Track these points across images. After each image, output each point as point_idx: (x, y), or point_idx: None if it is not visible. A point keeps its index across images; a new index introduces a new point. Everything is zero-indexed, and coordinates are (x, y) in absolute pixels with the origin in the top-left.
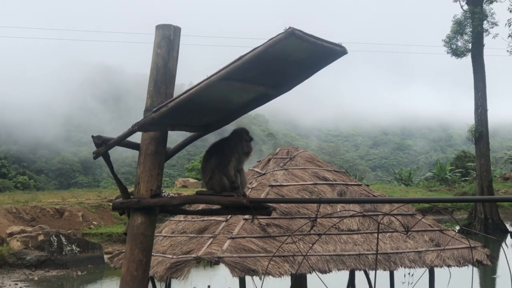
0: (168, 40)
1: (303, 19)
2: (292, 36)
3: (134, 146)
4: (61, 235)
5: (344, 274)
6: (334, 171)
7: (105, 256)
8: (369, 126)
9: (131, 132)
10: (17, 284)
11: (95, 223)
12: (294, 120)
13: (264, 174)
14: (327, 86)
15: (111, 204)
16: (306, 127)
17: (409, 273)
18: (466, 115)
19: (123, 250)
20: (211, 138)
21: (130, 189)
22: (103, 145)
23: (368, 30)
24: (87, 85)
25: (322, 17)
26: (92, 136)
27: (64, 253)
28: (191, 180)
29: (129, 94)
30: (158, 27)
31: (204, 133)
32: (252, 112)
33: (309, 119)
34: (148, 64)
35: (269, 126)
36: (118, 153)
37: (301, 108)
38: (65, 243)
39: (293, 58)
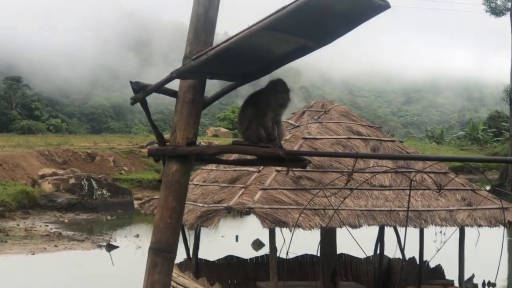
0: None
1: None
2: None
3: (171, 93)
4: (92, 179)
5: (374, 230)
6: (368, 126)
7: (135, 202)
8: (402, 82)
9: (169, 79)
10: (47, 225)
11: (126, 168)
12: (326, 74)
13: (298, 126)
14: (362, 40)
15: (142, 150)
16: (339, 81)
17: (440, 232)
18: (501, 75)
19: (154, 197)
20: (246, 88)
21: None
22: (140, 91)
23: None
24: (120, 31)
25: None
26: (130, 82)
27: (94, 197)
28: (223, 130)
29: (161, 41)
30: None
31: (243, 82)
32: (285, 65)
33: (342, 73)
34: (181, 12)
35: (302, 79)
36: (151, 100)
37: (334, 62)
38: (96, 187)
39: (335, 10)
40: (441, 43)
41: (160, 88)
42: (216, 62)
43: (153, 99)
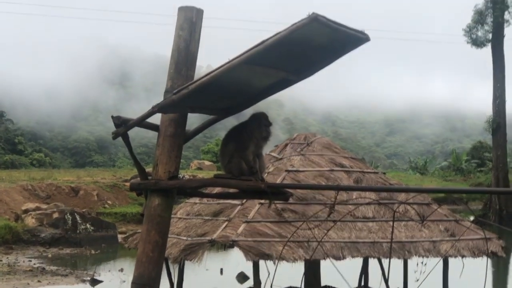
0: (190, 22)
1: (325, 4)
2: (315, 21)
3: (153, 127)
4: (75, 213)
5: (358, 262)
6: (351, 158)
7: (119, 236)
8: (385, 113)
9: (151, 113)
10: (31, 260)
11: (109, 202)
12: (309, 106)
13: (281, 159)
14: (343, 71)
15: (126, 183)
16: (322, 112)
17: (422, 262)
18: (484, 106)
19: (138, 231)
20: (229, 121)
21: (146, 169)
22: (122, 125)
23: (386, 17)
24: (102, 65)
25: (341, 2)
26: (112, 117)
27: (78, 231)
28: (207, 163)
29: (143, 74)
30: (181, 9)
31: (224, 116)
32: (269, 97)
33: (325, 105)
34: (162, 45)
35: (285, 111)
36: (134, 133)
37: (316, 94)
38: (80, 221)
39: (315, 44)
40: (423, 74)
41: (141, 122)
42: (197, 96)
43: (137, 132)
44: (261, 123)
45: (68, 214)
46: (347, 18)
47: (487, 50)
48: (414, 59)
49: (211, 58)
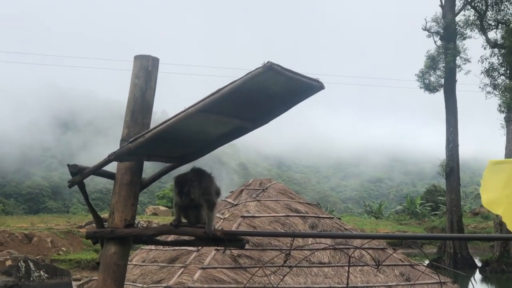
0: (146, 71)
1: (282, 50)
2: (270, 70)
3: (109, 175)
4: (29, 261)
5: None
6: (306, 203)
7: (74, 283)
8: (340, 158)
9: (107, 161)
10: None
11: (64, 249)
12: (264, 151)
13: (236, 205)
14: (300, 117)
15: (80, 230)
16: (277, 157)
17: None
18: (437, 149)
19: (93, 278)
20: (185, 167)
21: (101, 215)
22: (78, 174)
23: (344, 64)
24: (57, 110)
25: (300, 49)
26: (68, 165)
27: (32, 279)
28: (162, 208)
29: (100, 120)
30: (137, 58)
31: (180, 164)
32: None
33: (279, 150)
34: (116, 90)
35: (240, 156)
36: (89, 179)
37: (272, 139)
38: (33, 268)
39: (270, 92)
40: (376, 119)
41: (97, 170)
42: (153, 144)
43: (92, 178)
44: (176, 189)
45: (21, 262)
46: (300, 65)
47: (440, 94)
48: (367, 103)
49: (165, 103)
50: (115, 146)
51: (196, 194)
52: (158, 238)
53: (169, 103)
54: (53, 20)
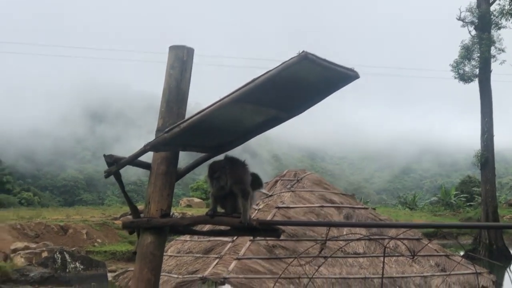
0: (181, 61)
1: (312, 40)
2: (305, 60)
3: (145, 165)
4: (65, 252)
5: None
6: (341, 194)
7: (109, 274)
8: (374, 149)
9: (142, 151)
10: None
11: (99, 240)
12: (298, 142)
13: (271, 195)
14: (334, 108)
15: (115, 222)
16: (310, 149)
17: None
18: (472, 140)
19: (128, 269)
20: (219, 158)
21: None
22: (114, 164)
23: (375, 54)
24: (92, 103)
25: (330, 39)
26: (104, 155)
27: (67, 270)
28: (196, 200)
29: (133, 112)
30: (172, 48)
31: (215, 154)
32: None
33: (313, 142)
34: (152, 83)
35: (274, 147)
36: (123, 171)
37: (305, 130)
38: (69, 260)
39: (305, 82)
40: (412, 110)
41: (133, 161)
42: (188, 134)
43: (126, 170)
44: (207, 175)
45: (57, 253)
46: (329, 56)
47: (475, 85)
48: (398, 94)
49: (199, 95)
50: (147, 139)
51: (227, 182)
52: (193, 228)
53: (202, 95)
54: (86, 12)
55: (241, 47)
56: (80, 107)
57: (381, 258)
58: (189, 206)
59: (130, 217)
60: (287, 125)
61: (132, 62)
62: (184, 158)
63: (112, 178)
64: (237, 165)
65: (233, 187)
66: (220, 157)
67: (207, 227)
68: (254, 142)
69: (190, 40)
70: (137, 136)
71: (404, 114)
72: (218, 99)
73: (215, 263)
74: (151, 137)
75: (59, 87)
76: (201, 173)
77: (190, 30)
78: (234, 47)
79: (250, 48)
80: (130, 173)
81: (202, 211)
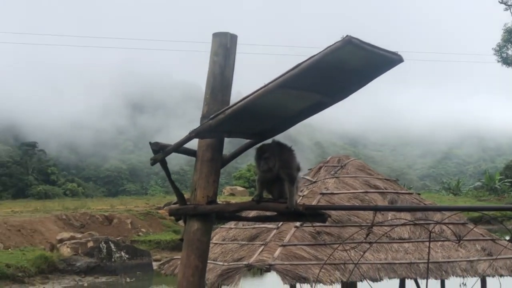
0: (224, 48)
1: (355, 27)
2: (350, 44)
3: (191, 153)
4: (110, 242)
5: (394, 283)
6: (385, 179)
7: (154, 263)
8: (417, 135)
9: (188, 139)
10: None
11: (143, 230)
12: (340, 130)
13: (315, 182)
14: (374, 94)
15: (159, 211)
16: (352, 136)
17: (463, 283)
18: None
19: (174, 257)
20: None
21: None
22: (160, 151)
23: (414, 38)
24: (131, 94)
25: (372, 26)
26: (150, 143)
27: (113, 259)
28: (239, 188)
29: (175, 103)
30: (215, 35)
31: (260, 140)
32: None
33: (355, 128)
34: (193, 72)
35: (316, 135)
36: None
37: (346, 118)
38: (114, 249)
39: (349, 66)
40: (453, 94)
41: (179, 148)
42: (233, 121)
43: (168, 159)
44: (258, 156)
45: (102, 243)
46: (375, 38)
47: None
48: (444, 79)
49: (241, 84)
50: (188, 128)
51: (275, 165)
52: (239, 214)
53: (244, 84)
54: (125, 3)
55: (281, 35)
56: (121, 98)
57: (427, 243)
58: (232, 194)
59: (175, 205)
60: (328, 112)
61: (172, 52)
62: (226, 147)
63: (155, 167)
64: (285, 150)
65: (280, 171)
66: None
67: (252, 214)
68: (296, 130)
69: (230, 29)
70: (178, 126)
71: (445, 99)
72: (262, 85)
73: (260, 250)
74: (192, 127)
75: (100, 78)
76: (244, 162)
77: (230, 19)
78: (274, 35)
79: (289, 36)
80: (172, 163)
81: (245, 199)
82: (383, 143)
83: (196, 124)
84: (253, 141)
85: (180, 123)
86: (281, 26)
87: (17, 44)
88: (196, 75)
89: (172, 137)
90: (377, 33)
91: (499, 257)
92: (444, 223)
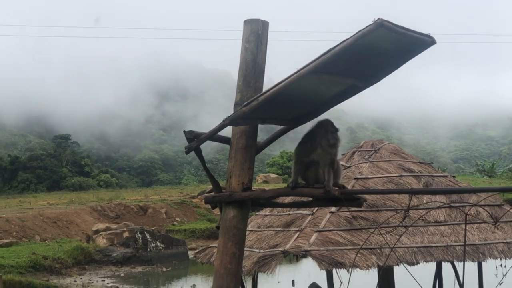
0: (256, 35)
1: (386, 10)
2: (381, 27)
3: (225, 140)
4: (145, 232)
5: (431, 266)
6: (419, 162)
7: (189, 252)
8: (450, 117)
9: (222, 126)
10: (104, 280)
11: (178, 219)
12: (372, 114)
13: (349, 167)
14: (407, 78)
15: (193, 200)
16: (384, 120)
17: (501, 265)
18: None
19: (209, 245)
20: (297, 131)
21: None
22: (194, 140)
23: (449, 21)
24: (161, 84)
25: (406, 9)
26: (184, 131)
27: (149, 249)
28: (272, 175)
29: (206, 91)
30: (246, 22)
31: (293, 126)
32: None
33: (387, 112)
34: (223, 60)
35: (348, 120)
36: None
37: (379, 101)
38: (150, 239)
39: (381, 50)
40: (484, 76)
41: (213, 136)
42: (266, 107)
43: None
44: (328, 130)
45: (138, 233)
46: (404, 20)
47: None
48: (475, 61)
49: (273, 72)
50: (220, 116)
51: (337, 142)
52: (275, 201)
53: (275, 71)
54: None
55: (311, 21)
56: (150, 87)
57: (463, 226)
58: (265, 182)
59: (210, 193)
60: (357, 96)
61: (202, 41)
62: (259, 135)
63: (188, 156)
64: (337, 132)
65: (333, 150)
66: (302, 128)
67: (287, 200)
68: (327, 115)
69: (261, 16)
70: (209, 114)
71: (478, 83)
72: (294, 71)
73: (295, 236)
74: (224, 115)
75: (129, 68)
76: (276, 149)
77: (260, 6)
78: (304, 21)
79: (319, 22)
80: (205, 152)
81: (279, 186)
82: (415, 126)
83: (226, 113)
84: (286, 128)
85: (212, 111)
86: (313, 12)
87: (46, 37)
88: (227, 63)
89: (204, 126)
90: (406, 16)
91: None
92: (480, 205)
